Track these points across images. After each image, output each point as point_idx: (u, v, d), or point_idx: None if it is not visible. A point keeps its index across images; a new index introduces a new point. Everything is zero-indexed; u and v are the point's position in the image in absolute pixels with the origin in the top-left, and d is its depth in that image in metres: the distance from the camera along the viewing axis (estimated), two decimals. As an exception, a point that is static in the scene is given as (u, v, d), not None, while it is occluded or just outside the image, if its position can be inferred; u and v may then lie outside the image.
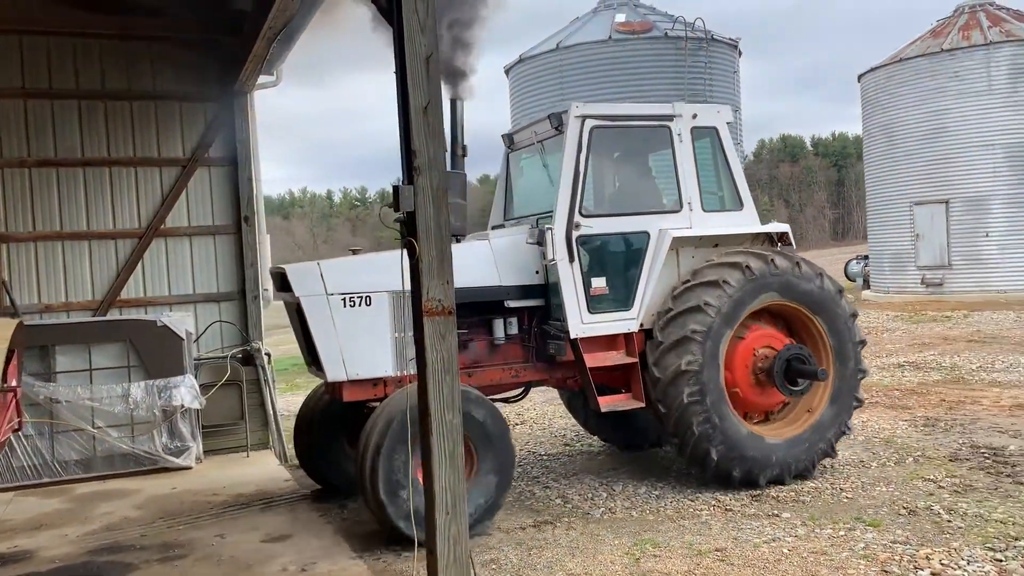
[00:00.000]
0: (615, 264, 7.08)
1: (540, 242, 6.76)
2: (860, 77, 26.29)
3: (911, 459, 7.70)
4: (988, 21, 23.46)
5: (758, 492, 6.87)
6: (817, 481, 7.11)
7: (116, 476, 8.20)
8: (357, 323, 6.34)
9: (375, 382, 6.48)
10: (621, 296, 6.98)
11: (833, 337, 7.23)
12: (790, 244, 7.51)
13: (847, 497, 6.66)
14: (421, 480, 5.47)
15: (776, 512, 6.34)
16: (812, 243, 76.61)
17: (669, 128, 7.17)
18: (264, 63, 8.57)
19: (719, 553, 5.47)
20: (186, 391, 8.50)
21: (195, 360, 8.97)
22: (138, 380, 8.41)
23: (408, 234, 3.96)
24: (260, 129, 9.82)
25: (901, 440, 8.47)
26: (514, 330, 7.01)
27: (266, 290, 9.63)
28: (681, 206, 7.14)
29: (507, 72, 18.62)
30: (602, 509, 6.65)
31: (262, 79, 9.41)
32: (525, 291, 6.93)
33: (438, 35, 3.80)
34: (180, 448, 8.49)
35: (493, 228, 8.06)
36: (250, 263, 9.45)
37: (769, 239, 7.53)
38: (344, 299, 6.34)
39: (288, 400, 13.33)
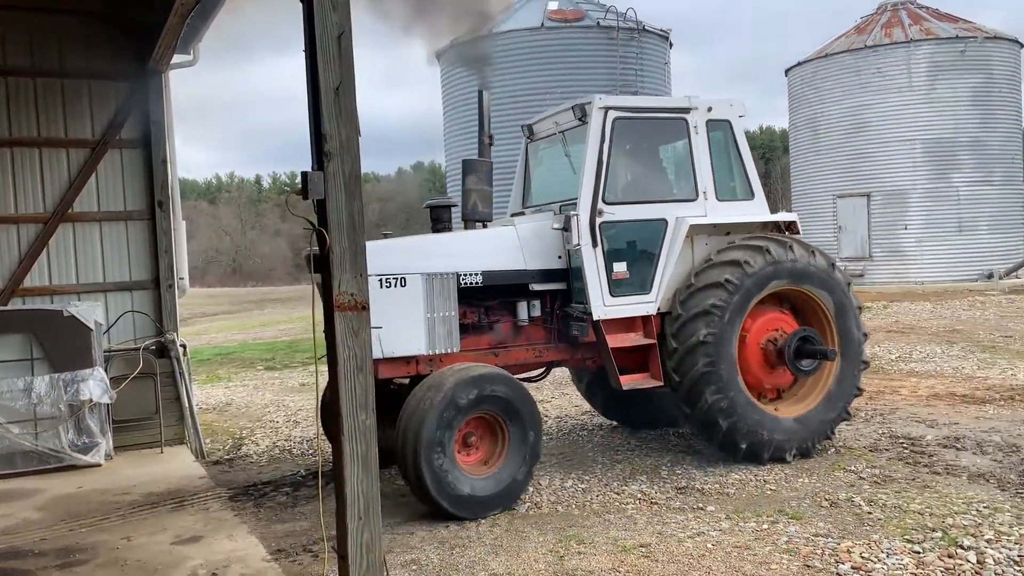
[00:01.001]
0: (635, 250, 7.39)
1: (566, 228, 7.02)
2: (787, 71, 26.76)
3: (832, 450, 7.79)
4: (909, 19, 24.10)
5: (683, 485, 6.86)
6: (741, 472, 7.13)
7: (17, 475, 7.74)
8: (392, 303, 6.59)
9: (408, 360, 6.78)
10: (640, 280, 7.33)
11: (840, 324, 7.64)
12: (798, 232, 7.86)
13: (770, 489, 6.69)
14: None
15: (701, 505, 6.32)
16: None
17: (686, 120, 7.53)
18: (179, 40, 8.17)
19: (644, 549, 5.41)
20: (95, 384, 8.09)
21: (105, 352, 8.54)
22: (42, 373, 7.96)
23: (319, 223, 3.73)
24: (185, 111, 9.42)
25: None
26: (537, 312, 7.35)
27: (181, 279, 9.23)
28: (696, 195, 7.52)
29: (438, 58, 18.35)
30: (527, 504, 6.54)
31: (178, 58, 8.98)
32: (548, 275, 7.28)
33: (349, 11, 3.58)
34: (88, 445, 8.08)
35: (513, 215, 8.25)
36: (164, 250, 9.04)
37: (777, 227, 7.85)
38: (380, 280, 6.60)
39: (208, 392, 12.89)
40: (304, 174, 3.63)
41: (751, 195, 7.79)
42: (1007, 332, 15.05)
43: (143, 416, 8.76)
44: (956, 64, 22.89)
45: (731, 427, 7.11)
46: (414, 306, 6.75)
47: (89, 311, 8.25)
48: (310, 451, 8.88)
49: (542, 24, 16.47)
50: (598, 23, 16.70)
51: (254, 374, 14.91)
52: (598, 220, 7.03)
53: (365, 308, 3.76)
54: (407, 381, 7.00)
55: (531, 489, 6.93)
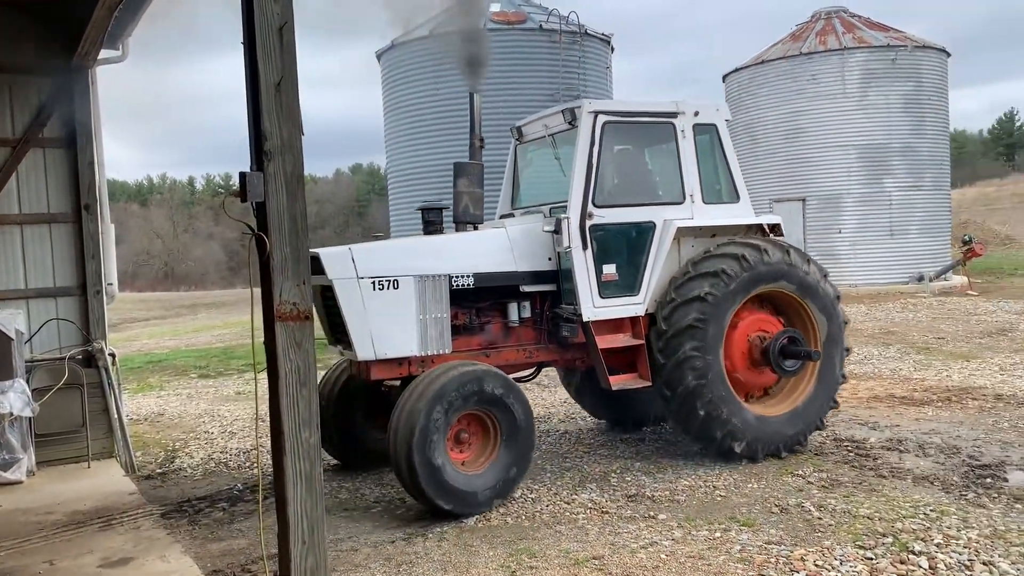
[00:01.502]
0: (624, 252, 7.48)
1: (557, 230, 7.12)
2: (725, 77, 27.11)
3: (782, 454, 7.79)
4: (843, 27, 24.63)
5: (634, 492, 6.76)
6: (691, 479, 7.07)
7: (-71, 495, 7.26)
8: (385, 305, 6.70)
9: (400, 361, 6.85)
10: (629, 282, 7.46)
11: (820, 318, 7.84)
12: (781, 234, 8.07)
13: (720, 495, 6.63)
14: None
15: (652, 514, 6.22)
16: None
17: (674, 124, 7.68)
18: (106, 35, 7.77)
19: (597, 561, 5.27)
20: (15, 397, 7.62)
21: (27, 362, 8.08)
22: (-43, 386, 7.47)
23: (258, 228, 3.49)
24: (115, 109, 8.98)
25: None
26: (527, 313, 7.44)
27: (110, 284, 8.80)
28: (684, 198, 7.68)
29: (379, 58, 18.05)
30: (476, 516, 6.35)
31: (106, 53, 8.56)
32: (538, 277, 7.38)
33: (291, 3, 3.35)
34: (8, 461, 7.61)
35: (502, 217, 8.36)
36: (92, 255, 8.60)
37: (761, 229, 8.01)
38: (374, 282, 6.69)
39: (139, 403, 12.38)
40: (242, 175, 3.39)
41: (736, 198, 7.94)
42: (939, 333, 15.42)
43: (69, 429, 8.31)
44: (888, 72, 23.47)
45: (726, 435, 7.27)
46: (406, 308, 6.81)
47: (9, 319, 7.79)
48: (247, 464, 8.54)
49: (484, 25, 16.31)
50: (540, 26, 16.62)
51: (187, 382, 14.39)
52: (588, 223, 7.15)
53: (308, 318, 3.53)
54: (398, 383, 7.12)
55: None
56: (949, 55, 24.99)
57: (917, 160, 24.02)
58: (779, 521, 5.94)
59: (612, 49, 18.81)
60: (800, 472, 7.11)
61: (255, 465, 8.25)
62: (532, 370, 7.88)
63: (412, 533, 6.04)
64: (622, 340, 7.44)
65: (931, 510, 6.00)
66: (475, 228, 7.61)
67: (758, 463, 7.41)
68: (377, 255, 6.84)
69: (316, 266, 6.70)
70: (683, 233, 7.63)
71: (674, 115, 7.67)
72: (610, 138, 7.47)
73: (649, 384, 7.41)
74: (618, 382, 7.35)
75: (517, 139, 8.51)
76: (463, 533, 5.99)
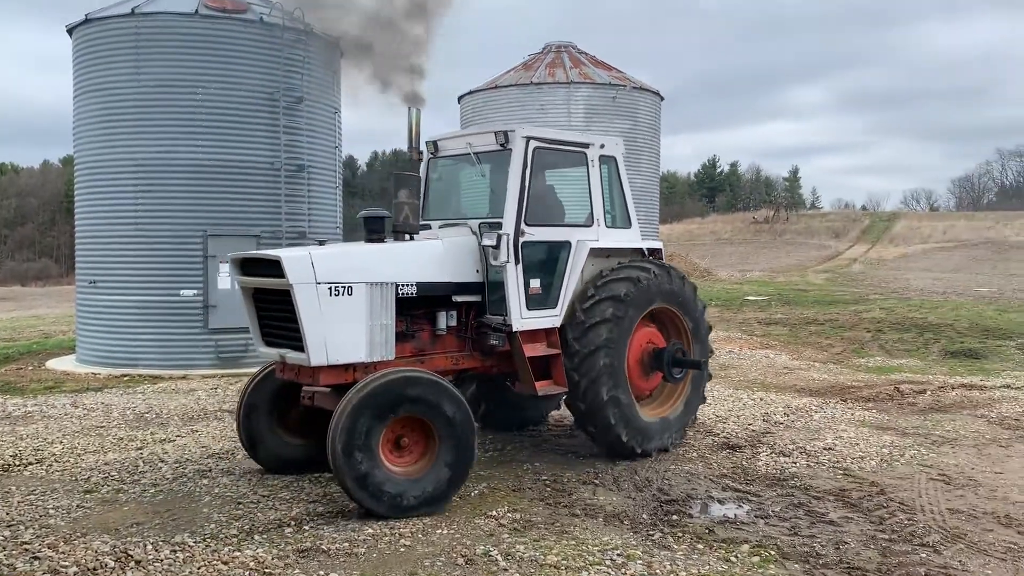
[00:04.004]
0: (545, 268, 8.05)
1: (496, 245, 7.46)
2: (460, 99, 27.20)
3: (477, 491, 7.33)
4: (571, 62, 25.63)
5: (308, 546, 5.89)
6: (377, 525, 6.35)
7: None
8: (339, 311, 6.84)
9: (347, 367, 6.99)
10: (549, 296, 8.03)
11: (692, 326, 8.93)
12: (661, 258, 9.01)
13: (405, 544, 5.97)
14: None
15: (323, 572, 5.42)
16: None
17: (586, 154, 8.39)
18: None
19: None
20: None
21: None
22: None
23: None
24: None
25: (470, 469, 8.11)
26: (453, 322, 7.76)
27: None
28: (592, 221, 8.42)
29: (70, 33, 15.75)
30: (104, 586, 5.16)
31: None
32: (466, 287, 7.75)
33: None
34: None
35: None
36: None
37: (641, 253, 8.89)
38: (330, 288, 6.81)
39: None
40: None
41: (629, 224, 8.83)
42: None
43: None
44: (608, 109, 24.69)
45: (618, 421, 8.04)
46: (358, 314, 6.97)
47: None
48: None
49: (196, 11, 14.75)
50: (261, 19, 15.34)
51: None
52: (521, 239, 7.65)
53: None
54: (326, 391, 7.14)
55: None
56: (663, 99, 26.85)
57: (632, 194, 25.41)
58: (463, 575, 5.39)
59: (342, 53, 17.90)
60: (494, 513, 6.65)
61: None
62: (451, 378, 7.84)
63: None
64: (541, 349, 7.97)
65: (618, 554, 5.75)
66: (411, 238, 7.79)
67: (638, 458, 8.29)
68: (333, 261, 6.94)
69: (260, 268, 7.05)
70: (593, 254, 8.33)
71: (587, 146, 8.40)
72: (537, 162, 7.92)
73: (566, 389, 8.01)
74: (543, 387, 7.94)
75: (432, 152, 8.70)
76: (79, 612, 4.80)
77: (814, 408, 11.06)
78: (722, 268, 43.86)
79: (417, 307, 7.56)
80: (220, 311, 15.08)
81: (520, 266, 7.67)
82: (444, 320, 7.72)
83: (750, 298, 27.89)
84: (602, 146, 8.53)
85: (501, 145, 7.86)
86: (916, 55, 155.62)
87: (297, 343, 6.83)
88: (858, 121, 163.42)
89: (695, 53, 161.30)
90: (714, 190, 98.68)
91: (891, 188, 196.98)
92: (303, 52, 15.93)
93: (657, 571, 5.47)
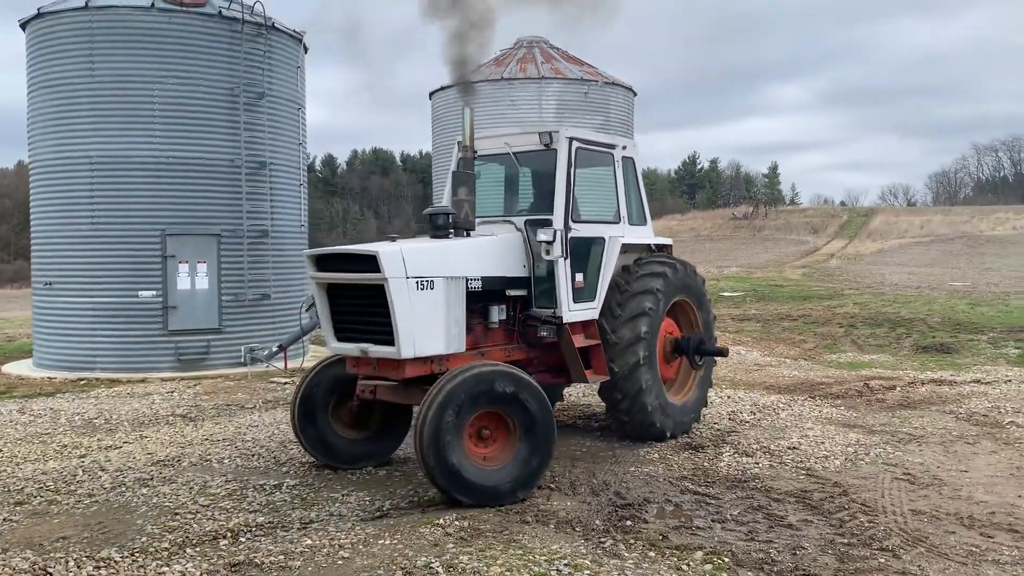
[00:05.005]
0: (586, 263, 8.42)
1: (551, 240, 7.71)
2: (431, 95, 26.88)
3: (427, 497, 7.06)
4: (542, 57, 25.37)
5: (242, 559, 5.61)
6: (318, 535, 6.08)
7: None
8: (424, 305, 7.08)
9: (426, 360, 7.23)
10: (591, 289, 8.44)
11: (703, 317, 9.65)
12: (671, 253, 9.59)
13: (344, 557, 5.69)
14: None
15: (253, 588, 5.13)
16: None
17: (613, 155, 8.90)
18: None
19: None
20: None
21: None
22: None
23: None
24: None
25: (419, 474, 7.83)
26: (503, 316, 8.01)
27: None
28: (619, 219, 8.89)
29: (23, 27, 15.30)
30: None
31: None
32: (516, 282, 8.05)
33: None
34: None
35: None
36: None
37: (649, 248, 9.40)
38: (418, 282, 7.04)
39: None
40: None
41: (645, 221, 9.34)
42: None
43: None
44: (581, 104, 24.46)
45: (655, 408, 8.63)
46: (438, 308, 7.21)
47: None
48: None
49: (152, 4, 14.33)
50: (220, 12, 14.96)
51: None
52: (569, 235, 8.00)
53: None
54: (374, 387, 7.62)
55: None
56: (635, 94, 26.66)
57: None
58: (400, 589, 5.12)
59: (305, 49, 17.57)
60: (441, 521, 6.37)
61: None
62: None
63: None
64: (581, 341, 8.32)
65: (566, 564, 5.50)
66: (467, 234, 7.97)
67: (666, 440, 8.87)
68: (420, 256, 7.15)
69: (342, 264, 7.28)
70: (624, 249, 8.80)
71: (613, 147, 8.92)
72: (577, 162, 8.31)
73: (608, 378, 8.47)
74: (591, 376, 8.37)
75: (463, 153, 8.71)
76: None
77: (781, 406, 10.87)
78: (701, 264, 43.63)
79: (476, 301, 7.75)
80: (180, 312, 14.72)
81: (568, 260, 8.03)
82: (496, 314, 7.94)
83: (725, 294, 27.75)
84: (624, 147, 9.07)
85: (545, 145, 8.25)
86: (893, 52, 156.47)
87: (382, 337, 7.05)
88: (837, 117, 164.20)
89: (674, 50, 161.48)
90: (694, 187, 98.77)
91: (869, 184, 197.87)
92: (264, 47, 15.59)
93: (604, 582, 5.22)
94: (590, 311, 8.43)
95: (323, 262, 7.44)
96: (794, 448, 8.68)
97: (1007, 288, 28.12)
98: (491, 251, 7.88)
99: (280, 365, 14.63)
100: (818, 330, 19.16)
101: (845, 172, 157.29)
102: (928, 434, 9.39)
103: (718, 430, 9.58)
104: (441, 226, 7.83)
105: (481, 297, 7.77)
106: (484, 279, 7.72)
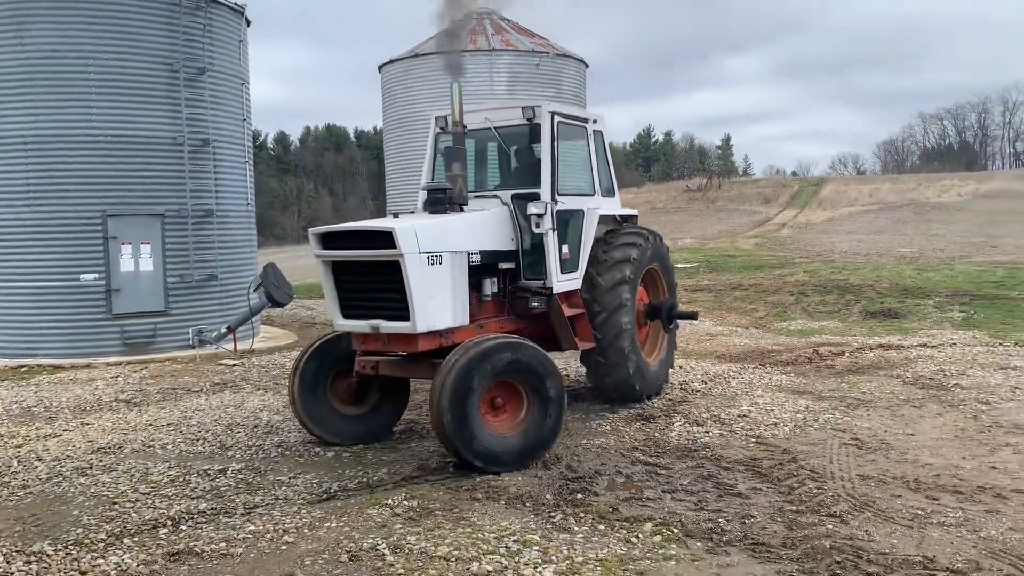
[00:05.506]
0: (569, 234, 8.59)
1: (542, 213, 7.96)
2: (380, 68, 26.44)
3: (376, 477, 6.95)
4: (493, 29, 25.05)
5: (181, 548, 5.45)
6: (262, 520, 5.94)
7: None
8: (434, 280, 7.22)
9: (436, 334, 7.35)
10: (574, 260, 8.67)
11: (668, 283, 10.06)
12: (636, 223, 9.82)
13: (288, 542, 5.56)
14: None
15: (192, 578, 4.98)
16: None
17: (586, 128, 9.08)
18: None
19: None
20: None
21: None
22: None
23: None
24: None
25: (369, 455, 7.73)
26: (495, 288, 8.11)
27: None
28: (594, 191, 9.13)
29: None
30: None
31: None
32: (505, 255, 8.19)
33: None
34: None
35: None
36: None
37: (615, 220, 9.57)
38: (428, 257, 7.16)
39: None
40: None
41: (613, 193, 9.52)
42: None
43: None
44: (532, 76, 24.24)
45: (635, 372, 9.01)
46: (446, 282, 7.35)
47: None
48: None
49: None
50: (157, -15, 14.44)
51: None
52: (556, 208, 8.18)
53: None
54: (375, 362, 7.71)
55: None
56: (587, 66, 26.51)
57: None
58: (345, 573, 5.01)
59: (248, 22, 17.10)
60: (389, 501, 6.27)
61: None
62: None
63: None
64: (568, 310, 8.48)
65: (515, 540, 5.44)
66: (461, 209, 8.03)
67: (643, 401, 9.31)
68: (429, 232, 7.23)
69: (350, 241, 7.31)
70: (600, 221, 9.02)
71: (587, 120, 9.10)
72: (558, 137, 8.47)
73: (593, 345, 8.72)
74: (580, 343, 8.58)
75: (443, 127, 8.87)
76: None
77: (732, 374, 10.94)
78: (655, 236, 43.96)
79: (473, 275, 7.81)
80: (124, 295, 14.33)
81: (556, 232, 8.19)
82: (489, 287, 8.04)
83: (679, 266, 27.87)
84: (595, 121, 9.24)
85: (528, 120, 8.37)
86: (844, 23, 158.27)
87: (395, 313, 7.15)
88: (788, 88, 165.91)
89: (626, 23, 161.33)
90: (649, 160, 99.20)
91: (820, 154, 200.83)
92: (204, 20, 15.10)
93: (553, 557, 5.16)
94: (575, 281, 8.66)
95: (329, 240, 7.44)
96: (744, 416, 8.73)
97: (952, 253, 28.73)
98: (485, 225, 8.00)
99: (229, 347, 14.34)
100: (769, 299, 19.35)
101: (797, 142, 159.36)
102: (876, 399, 9.51)
103: (669, 400, 9.60)
104: (439, 202, 7.90)
105: (477, 271, 7.87)
106: (482, 253, 7.85)
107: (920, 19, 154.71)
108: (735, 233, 43.83)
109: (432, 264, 7.19)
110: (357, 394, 8.15)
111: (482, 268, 7.92)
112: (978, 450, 7.43)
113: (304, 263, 40.08)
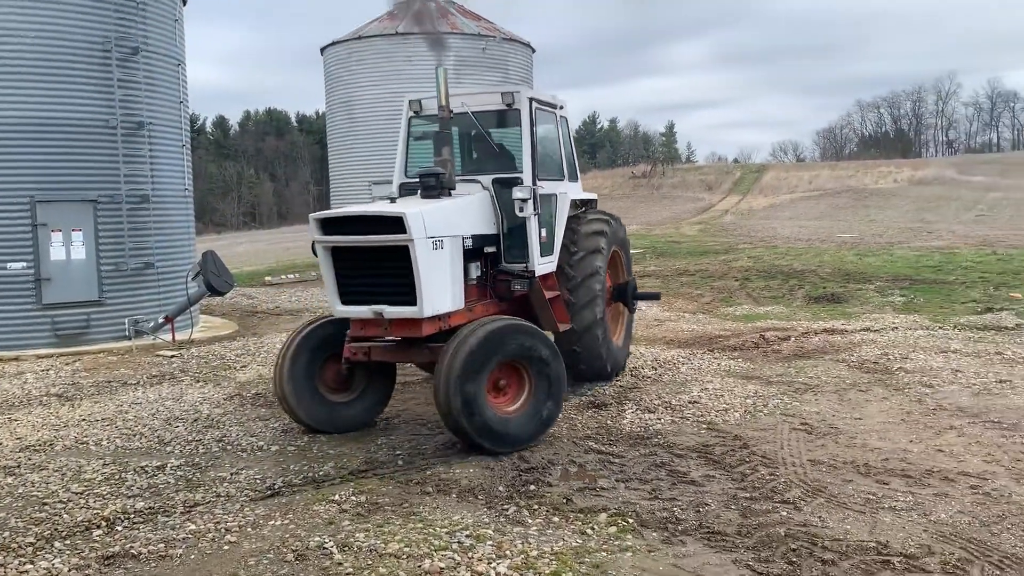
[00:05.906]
0: (545, 218, 8.62)
1: (527, 198, 7.97)
2: (323, 50, 25.91)
3: (322, 472, 6.73)
4: (438, 12, 24.69)
5: (116, 551, 5.17)
6: (203, 520, 5.69)
7: None
8: (437, 264, 7.23)
9: (438, 318, 7.37)
10: (550, 243, 8.75)
11: (627, 263, 10.42)
12: (595, 207, 10.02)
13: (231, 541, 5.33)
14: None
15: (127, 583, 4.73)
16: (297, 217, 76.12)
17: (555, 114, 9.20)
18: None
19: None
20: None
21: None
22: None
23: None
24: None
25: (314, 448, 7.50)
26: (479, 272, 8.18)
27: None
28: (563, 176, 9.28)
29: None
30: None
31: None
32: (489, 239, 8.26)
33: None
34: None
35: (403, 186, 8.90)
36: None
37: (576, 204, 9.58)
38: (433, 242, 7.16)
39: None
40: None
41: (576, 178, 9.69)
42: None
43: None
44: (479, 60, 24.00)
45: (608, 354, 9.34)
46: (447, 266, 7.38)
47: None
48: None
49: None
50: (87, -40, 13.81)
51: None
52: (537, 192, 8.22)
53: None
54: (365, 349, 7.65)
55: None
56: (534, 51, 26.36)
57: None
58: (291, 573, 4.81)
59: (184, 2, 16.51)
60: (336, 497, 6.07)
61: None
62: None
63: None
64: (549, 292, 8.69)
65: (468, 535, 5.29)
66: (449, 193, 8.00)
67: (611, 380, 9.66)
68: (433, 217, 7.25)
69: (353, 227, 7.23)
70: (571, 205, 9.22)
71: (555, 107, 9.21)
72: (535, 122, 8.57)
73: (570, 326, 8.90)
74: (561, 324, 8.76)
75: (416, 112, 8.96)
76: None
77: (681, 360, 10.94)
78: (601, 222, 44.07)
79: (465, 259, 7.83)
80: (55, 285, 13.73)
81: (538, 216, 8.25)
82: (474, 270, 8.05)
83: (626, 251, 27.99)
84: (562, 107, 9.37)
85: (508, 105, 8.44)
86: (785, 13, 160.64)
87: (400, 298, 7.13)
88: (731, 76, 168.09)
89: (574, 9, 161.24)
90: (595, 146, 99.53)
91: (761, 141, 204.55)
92: (138, 0, 14.49)
93: (507, 552, 5.03)
94: (551, 264, 8.79)
95: (330, 225, 7.35)
96: (695, 402, 8.71)
97: (891, 239, 29.37)
98: (473, 210, 8.07)
99: (167, 337, 13.88)
100: (714, 284, 19.49)
101: (738, 130, 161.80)
102: (823, 383, 9.59)
103: (620, 387, 9.54)
104: (433, 187, 7.89)
105: (467, 255, 7.87)
106: (473, 237, 7.90)
107: (859, 9, 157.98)
108: (679, 219, 44.23)
109: (436, 249, 7.21)
110: (345, 381, 8.04)
111: (470, 252, 7.91)
112: (924, 433, 7.52)
113: (243, 249, 39.10)
